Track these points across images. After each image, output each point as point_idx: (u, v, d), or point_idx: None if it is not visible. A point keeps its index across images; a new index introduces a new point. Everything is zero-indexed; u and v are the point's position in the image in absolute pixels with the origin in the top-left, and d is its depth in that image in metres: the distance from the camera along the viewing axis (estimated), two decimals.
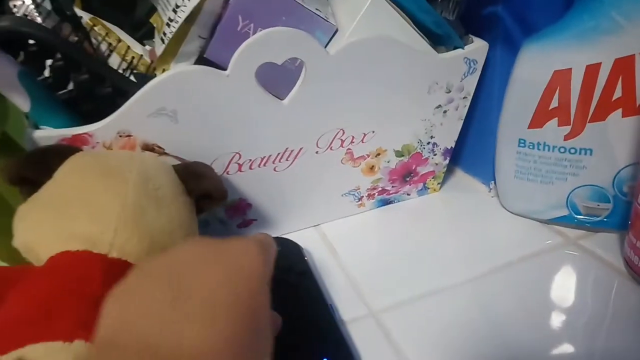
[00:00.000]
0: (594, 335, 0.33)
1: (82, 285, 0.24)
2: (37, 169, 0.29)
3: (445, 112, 0.43)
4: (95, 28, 0.37)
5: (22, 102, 0.31)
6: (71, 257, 0.26)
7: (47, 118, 0.33)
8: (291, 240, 0.41)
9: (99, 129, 0.33)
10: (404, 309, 0.36)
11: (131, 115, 0.33)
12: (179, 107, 0.34)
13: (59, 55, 0.33)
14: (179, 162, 0.35)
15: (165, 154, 0.36)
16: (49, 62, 0.34)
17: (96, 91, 0.35)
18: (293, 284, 0.35)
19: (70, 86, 0.35)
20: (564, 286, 0.37)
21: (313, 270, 0.37)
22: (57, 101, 0.34)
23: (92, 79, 0.34)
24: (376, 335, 0.34)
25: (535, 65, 0.38)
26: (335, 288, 0.38)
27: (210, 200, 0.35)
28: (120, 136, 0.34)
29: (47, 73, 0.35)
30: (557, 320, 0.34)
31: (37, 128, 0.33)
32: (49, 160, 0.30)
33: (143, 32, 0.53)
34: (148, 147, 0.35)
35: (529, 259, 0.40)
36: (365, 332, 0.34)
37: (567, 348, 0.32)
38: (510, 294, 0.36)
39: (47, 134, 0.32)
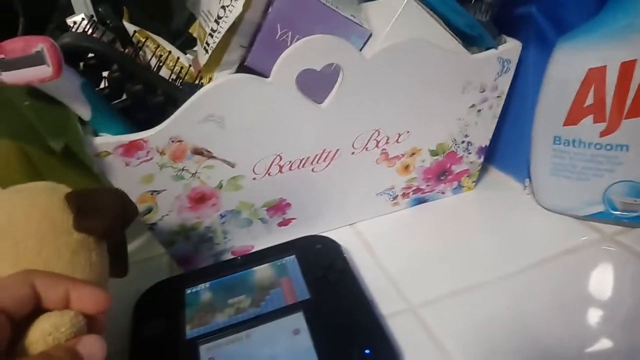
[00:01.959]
0: (633, 331, 0.33)
1: None
2: None
3: (479, 111, 0.44)
4: (147, 42, 0.40)
5: (84, 112, 0.34)
6: None
7: (105, 126, 0.35)
8: (330, 239, 0.42)
9: (153, 135, 0.35)
10: (441, 304, 0.37)
11: (182, 122, 0.36)
12: (226, 114, 0.36)
13: (115, 67, 0.35)
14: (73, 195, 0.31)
15: (214, 157, 0.38)
16: (104, 74, 0.37)
17: (149, 100, 0.37)
18: (333, 281, 0.37)
19: (125, 96, 0.38)
20: (601, 282, 0.37)
21: (352, 267, 0.39)
22: (114, 110, 0.36)
23: (145, 88, 0.36)
24: (415, 329, 0.35)
25: (570, 63, 0.39)
26: (373, 284, 0.39)
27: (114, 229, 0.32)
28: (173, 142, 0.36)
29: (103, 84, 0.38)
30: (594, 316, 0.34)
31: (97, 135, 0.36)
32: None
33: (181, 42, 0.56)
34: (198, 151, 0.37)
35: (566, 256, 0.40)
36: (405, 325, 0.35)
37: (604, 344, 0.32)
38: (546, 290, 0.37)
39: (107, 141, 0.35)
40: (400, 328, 0.35)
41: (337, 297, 0.35)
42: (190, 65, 0.43)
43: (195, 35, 0.49)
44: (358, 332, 0.33)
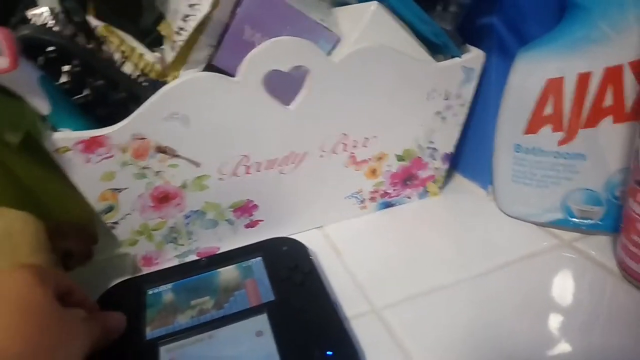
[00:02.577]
0: (589, 335, 0.34)
1: None
2: None
3: (443, 118, 0.44)
4: (109, 37, 0.39)
5: (42, 106, 0.33)
6: None
7: (65, 121, 0.34)
8: (297, 240, 0.42)
9: (115, 132, 0.35)
10: (404, 306, 0.38)
11: (145, 119, 0.35)
12: (191, 112, 0.36)
13: (75, 62, 0.34)
14: (53, 222, 0.37)
15: (178, 156, 0.37)
16: (65, 68, 0.36)
17: (110, 96, 0.37)
18: (299, 283, 0.36)
19: (86, 92, 0.37)
20: (560, 287, 0.38)
21: (318, 269, 0.39)
22: (74, 105, 0.35)
23: (107, 84, 0.35)
24: (378, 331, 0.35)
25: (529, 74, 0.40)
26: (338, 287, 0.39)
27: (74, 259, 0.37)
28: (135, 139, 0.35)
29: (63, 79, 0.36)
30: (553, 320, 0.35)
31: (56, 131, 0.35)
32: None
33: (150, 40, 0.55)
34: (161, 149, 0.37)
35: (526, 261, 0.41)
36: (368, 327, 0.35)
37: (562, 348, 0.33)
38: (507, 294, 0.38)
39: (66, 136, 0.34)
40: (363, 330, 0.35)
41: (301, 299, 0.35)
42: (154, 63, 0.43)
43: (163, 34, 0.48)
44: (321, 333, 0.32)
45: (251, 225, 0.45)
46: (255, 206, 0.44)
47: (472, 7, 0.42)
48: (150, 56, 0.45)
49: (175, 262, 0.44)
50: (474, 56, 0.42)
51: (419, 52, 0.41)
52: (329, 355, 0.31)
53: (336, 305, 0.36)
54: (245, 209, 0.44)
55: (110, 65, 0.36)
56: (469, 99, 0.44)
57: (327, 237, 0.47)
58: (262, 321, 0.33)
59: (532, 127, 0.41)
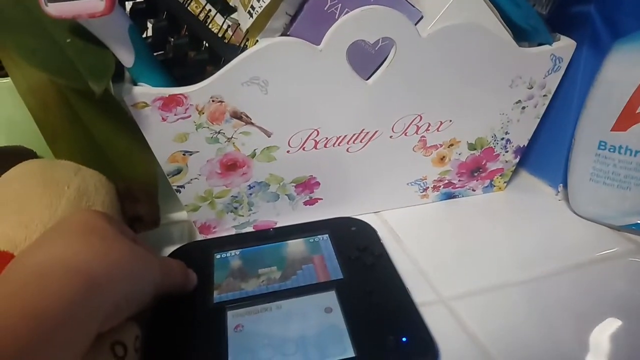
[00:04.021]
0: None
1: None
2: None
3: (523, 108, 0.42)
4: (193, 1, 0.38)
5: (126, 57, 0.32)
6: None
7: (146, 76, 0.34)
8: (366, 222, 0.41)
9: (195, 92, 0.34)
10: (471, 298, 0.36)
11: (226, 82, 0.34)
12: (271, 78, 0.35)
13: (163, 16, 0.33)
14: (124, 185, 0.37)
15: (252, 123, 0.36)
16: (149, 22, 0.35)
17: (191, 56, 0.36)
18: (369, 264, 0.35)
19: (166, 49, 0.36)
20: (629, 293, 0.36)
21: (389, 253, 0.37)
22: (156, 61, 0.35)
23: (190, 43, 0.35)
24: (448, 321, 0.34)
25: (626, 67, 0.38)
26: (401, 272, 0.38)
27: (141, 224, 0.37)
28: (213, 101, 0.35)
29: (146, 34, 0.36)
30: (619, 328, 0.33)
31: (135, 84, 0.34)
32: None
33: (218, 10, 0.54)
34: (237, 115, 0.36)
35: (597, 264, 0.39)
36: (437, 316, 0.34)
37: (620, 357, 0.31)
38: (574, 297, 0.36)
39: (146, 91, 0.33)
40: (432, 319, 0.33)
41: (372, 281, 0.34)
42: (228, 28, 0.42)
43: (232, 4, 0.47)
44: (394, 318, 0.31)
45: (310, 202, 0.44)
46: (317, 183, 0.43)
47: None
48: (225, 23, 0.44)
49: (232, 232, 0.43)
50: (565, 45, 0.40)
51: (505, 36, 0.39)
52: (404, 342, 0.29)
53: (409, 291, 0.34)
54: (307, 185, 0.43)
55: (197, 23, 0.35)
56: (552, 90, 0.42)
57: (385, 222, 0.45)
58: (330, 298, 0.32)
59: (621, 124, 0.39)
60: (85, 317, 0.23)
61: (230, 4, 0.47)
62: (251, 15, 0.41)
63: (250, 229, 0.44)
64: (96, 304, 0.23)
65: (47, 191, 0.31)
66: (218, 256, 0.37)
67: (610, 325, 0.33)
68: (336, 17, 0.37)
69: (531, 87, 0.41)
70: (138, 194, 0.36)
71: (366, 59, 0.39)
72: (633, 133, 0.39)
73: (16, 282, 0.23)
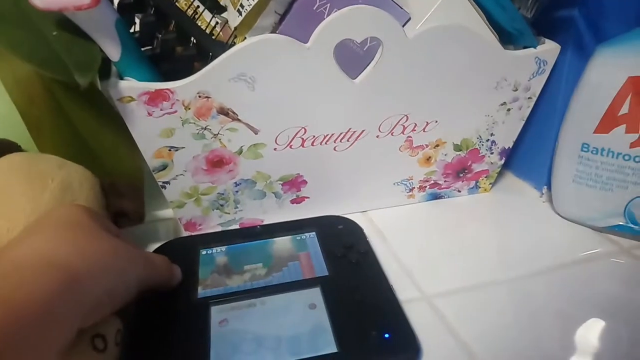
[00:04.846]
0: (636, 347, 0.32)
1: None
2: None
3: (509, 110, 0.43)
4: None
5: (113, 51, 0.32)
6: None
7: (132, 70, 0.34)
8: (353, 221, 0.41)
9: (181, 87, 0.34)
10: (454, 297, 0.36)
11: (213, 77, 0.34)
12: (258, 74, 0.35)
13: (150, 11, 0.33)
14: (109, 180, 0.37)
15: (238, 120, 0.37)
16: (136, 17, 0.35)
17: (178, 52, 0.36)
18: (354, 262, 0.35)
19: (154, 44, 0.36)
20: (611, 294, 0.37)
21: (374, 251, 0.38)
22: (143, 56, 0.34)
23: (178, 38, 0.35)
24: (431, 318, 0.34)
25: (609, 70, 0.38)
26: (387, 271, 0.38)
27: (126, 219, 0.37)
28: (200, 97, 0.35)
29: (133, 28, 0.36)
30: (602, 328, 0.34)
31: (121, 79, 0.34)
32: None
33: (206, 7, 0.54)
34: (224, 111, 0.36)
35: (580, 265, 0.39)
36: (420, 314, 0.34)
37: (605, 357, 0.31)
38: (554, 296, 0.36)
39: (133, 85, 0.33)
40: (415, 316, 0.34)
41: (357, 278, 0.34)
42: (216, 25, 0.42)
43: (222, 3, 0.47)
44: (377, 315, 0.31)
45: (297, 201, 0.44)
46: (304, 182, 0.43)
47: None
48: (213, 20, 0.44)
49: (218, 230, 0.43)
50: (549, 48, 0.40)
51: (490, 38, 0.40)
52: (386, 338, 0.29)
53: (393, 289, 0.34)
54: (294, 184, 0.43)
55: (185, 18, 0.35)
56: (537, 92, 0.43)
57: (371, 222, 0.45)
58: (315, 294, 0.32)
59: (604, 126, 0.39)
60: (64, 312, 0.23)
61: (221, 3, 0.47)
62: (240, 13, 0.41)
63: (236, 227, 0.44)
64: (76, 299, 0.23)
65: (30, 185, 0.31)
66: (204, 252, 0.37)
67: (593, 325, 0.34)
68: (325, 17, 0.37)
69: (516, 90, 0.42)
70: (123, 190, 0.36)
71: (355, 59, 0.39)
72: (615, 135, 0.39)
73: None
